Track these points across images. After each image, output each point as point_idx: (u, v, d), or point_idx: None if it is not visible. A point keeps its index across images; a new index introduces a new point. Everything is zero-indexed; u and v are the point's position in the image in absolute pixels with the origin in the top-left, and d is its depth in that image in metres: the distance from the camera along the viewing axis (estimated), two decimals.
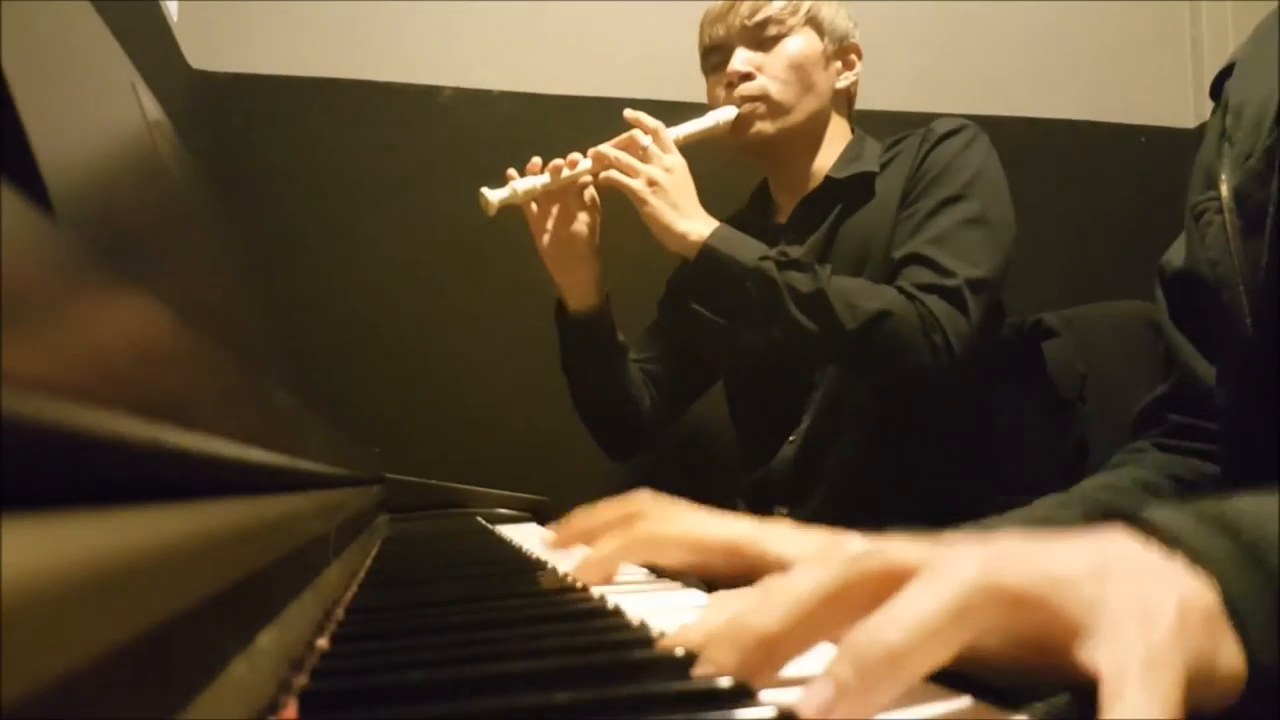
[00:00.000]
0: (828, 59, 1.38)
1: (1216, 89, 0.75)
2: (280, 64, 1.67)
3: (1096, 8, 2.08)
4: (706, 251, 1.23)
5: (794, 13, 1.35)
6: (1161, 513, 0.34)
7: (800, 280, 1.19)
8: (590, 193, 1.34)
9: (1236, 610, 0.30)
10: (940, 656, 0.28)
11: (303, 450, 0.50)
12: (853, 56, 1.42)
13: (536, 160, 1.31)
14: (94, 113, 0.46)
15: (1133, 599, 0.29)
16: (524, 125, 1.74)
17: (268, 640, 0.32)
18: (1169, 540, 0.32)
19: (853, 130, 1.44)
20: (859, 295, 1.19)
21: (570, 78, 1.78)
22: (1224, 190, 0.67)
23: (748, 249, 1.23)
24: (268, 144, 1.67)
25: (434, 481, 1.45)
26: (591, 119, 1.76)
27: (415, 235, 1.70)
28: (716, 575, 0.58)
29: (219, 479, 0.30)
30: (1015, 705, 0.31)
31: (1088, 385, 1.32)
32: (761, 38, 1.35)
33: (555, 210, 1.34)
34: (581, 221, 1.34)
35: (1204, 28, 2.12)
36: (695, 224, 1.24)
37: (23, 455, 0.15)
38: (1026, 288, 1.69)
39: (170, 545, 0.23)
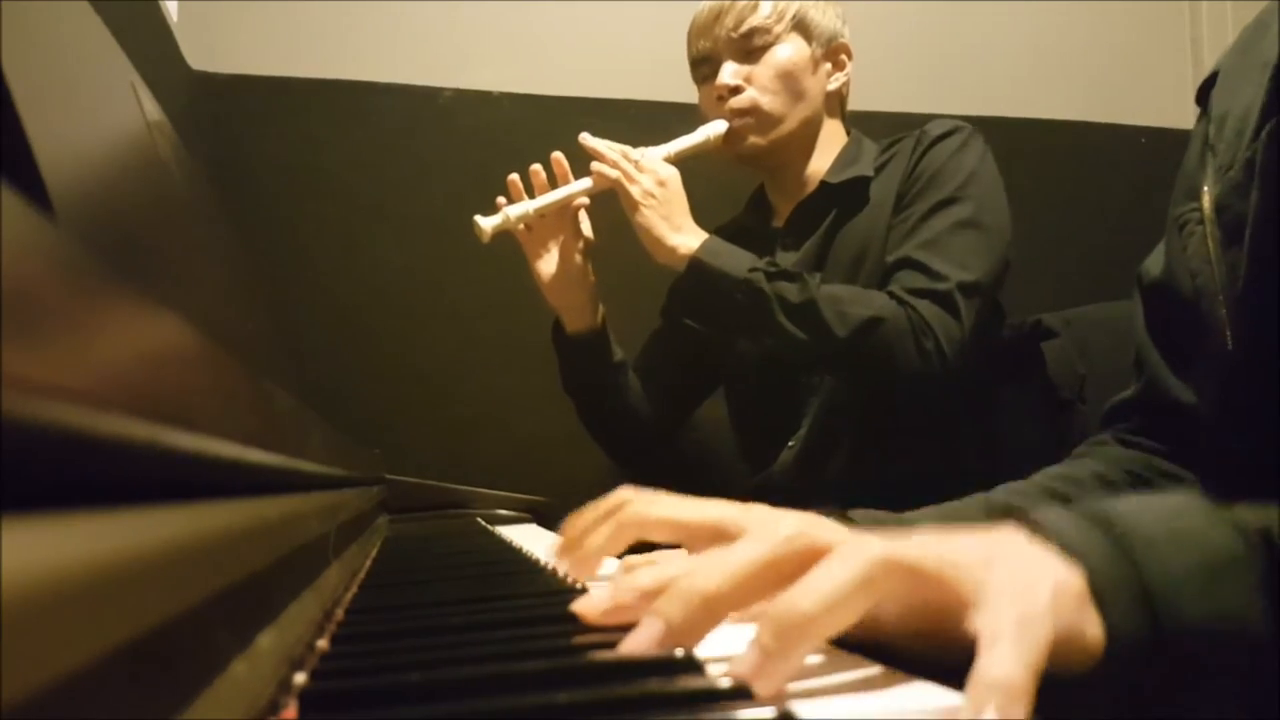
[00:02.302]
0: (816, 63, 1.36)
1: (1202, 97, 0.75)
2: (280, 65, 1.67)
3: (1096, 8, 2.08)
4: (695, 265, 1.23)
5: (780, 20, 1.33)
6: (1048, 513, 0.39)
7: (789, 290, 1.19)
8: (585, 225, 1.35)
9: (1100, 593, 0.35)
10: (847, 619, 0.33)
11: (303, 451, 0.50)
12: (843, 57, 1.40)
13: (514, 177, 1.31)
14: (94, 113, 0.46)
15: (1013, 579, 0.34)
16: (524, 126, 1.74)
17: (268, 641, 0.32)
18: (1048, 535, 0.37)
19: (848, 132, 1.43)
20: (849, 302, 1.18)
21: (570, 78, 1.78)
22: (1206, 201, 0.67)
23: (736, 261, 1.23)
24: (268, 145, 1.67)
25: (434, 482, 1.45)
26: (591, 120, 1.76)
27: (415, 236, 1.70)
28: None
29: (219, 480, 0.30)
30: None
31: (1087, 386, 1.32)
32: (749, 48, 1.33)
33: (549, 236, 1.35)
34: (575, 246, 1.35)
35: (1204, 28, 2.12)
36: (685, 238, 1.24)
37: (23, 455, 0.15)
38: (1026, 288, 1.69)
39: (170, 545, 0.23)
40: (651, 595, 0.39)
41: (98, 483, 0.20)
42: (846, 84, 1.42)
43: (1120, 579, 0.36)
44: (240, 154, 1.63)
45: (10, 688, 0.13)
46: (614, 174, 1.26)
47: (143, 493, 0.22)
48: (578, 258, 1.35)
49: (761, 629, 0.32)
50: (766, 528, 0.39)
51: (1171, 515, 0.38)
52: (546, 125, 1.75)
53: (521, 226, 1.32)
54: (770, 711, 0.27)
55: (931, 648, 0.36)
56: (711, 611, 0.37)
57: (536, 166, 1.31)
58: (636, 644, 0.35)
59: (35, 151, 0.30)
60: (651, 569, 0.41)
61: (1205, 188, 0.67)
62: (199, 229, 0.70)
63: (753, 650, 0.32)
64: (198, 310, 0.53)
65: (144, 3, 1.28)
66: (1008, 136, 1.95)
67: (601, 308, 1.40)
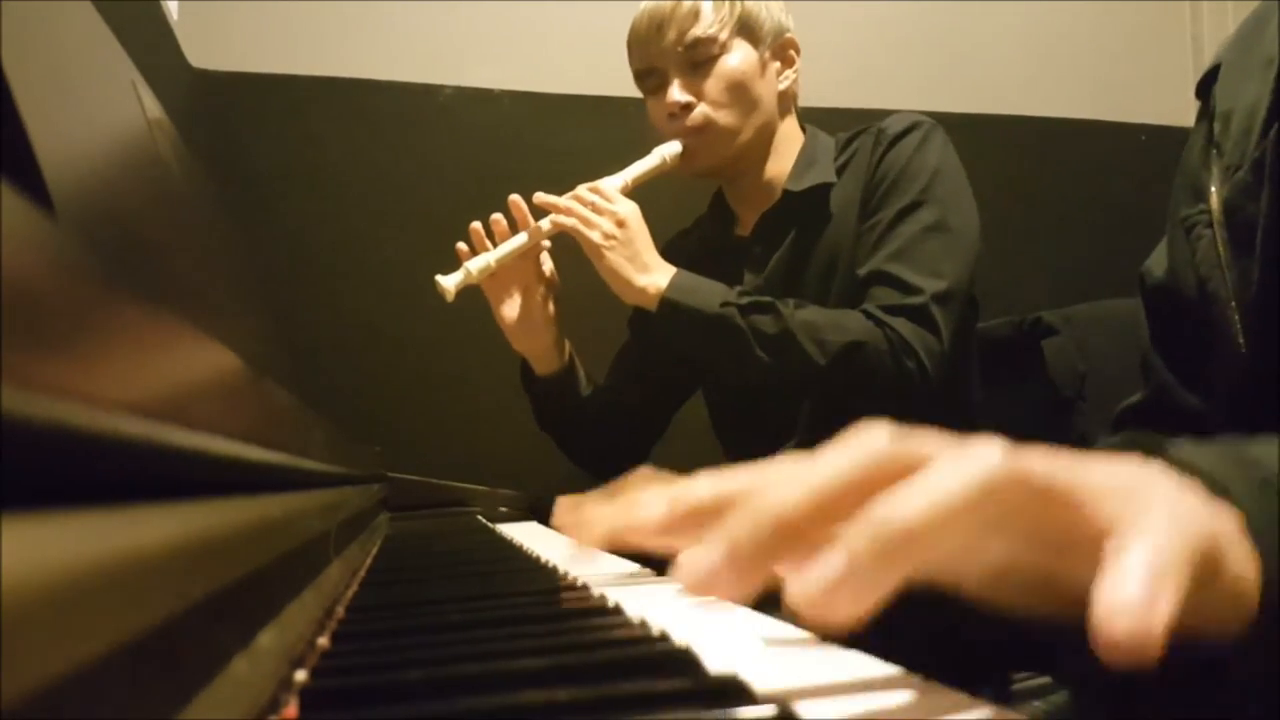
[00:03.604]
0: (765, 65, 1.32)
1: (1203, 90, 0.74)
2: (280, 63, 1.67)
3: (1098, 6, 2.08)
4: (666, 305, 1.21)
5: (723, 27, 1.28)
6: (1186, 449, 0.34)
7: (764, 322, 1.17)
8: (548, 266, 1.34)
9: (1256, 534, 0.31)
10: (956, 536, 0.27)
11: (303, 449, 0.50)
12: (791, 53, 1.35)
13: (476, 225, 1.29)
14: (95, 112, 0.46)
15: (1165, 504, 0.29)
16: (524, 124, 1.74)
17: (269, 638, 0.32)
18: (1191, 472, 0.32)
19: (803, 128, 1.39)
20: (827, 329, 1.16)
21: (570, 77, 1.78)
22: (1214, 203, 0.65)
23: (708, 296, 1.20)
24: (268, 142, 1.67)
25: (434, 480, 1.45)
26: (591, 118, 1.76)
27: (415, 234, 1.70)
28: None
29: (220, 478, 0.30)
30: (1014, 704, 0.31)
31: (1087, 383, 1.32)
32: (695, 60, 1.28)
33: (512, 280, 1.32)
34: (537, 290, 1.33)
35: (1204, 26, 2.12)
36: (653, 277, 1.22)
37: (23, 455, 0.15)
38: (1026, 286, 1.69)
39: (170, 545, 0.23)
40: (705, 514, 0.34)
41: (99, 481, 0.20)
42: (797, 80, 1.37)
43: (1273, 519, 0.31)
44: (240, 151, 1.63)
45: (10, 687, 0.13)
46: (570, 222, 1.24)
47: (144, 491, 0.22)
48: (540, 301, 1.33)
49: (848, 536, 0.27)
50: (854, 440, 0.31)
51: None
52: (546, 123, 1.75)
53: (486, 280, 1.30)
54: (771, 710, 0.27)
55: (1039, 602, 0.30)
56: (784, 535, 0.29)
57: (497, 216, 1.29)
58: (694, 569, 0.29)
59: (36, 149, 0.30)
60: (710, 481, 0.35)
61: (1213, 188, 0.66)
62: (200, 227, 0.70)
63: (831, 561, 0.26)
64: (198, 308, 0.53)
65: (145, 1, 1.28)
66: (1009, 134, 1.96)
67: (568, 344, 1.38)
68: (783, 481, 0.30)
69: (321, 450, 0.60)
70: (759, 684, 0.29)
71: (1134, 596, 0.25)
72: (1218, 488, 0.32)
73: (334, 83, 1.69)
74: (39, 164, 0.30)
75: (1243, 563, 0.31)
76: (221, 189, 1.22)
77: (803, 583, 0.26)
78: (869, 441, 0.30)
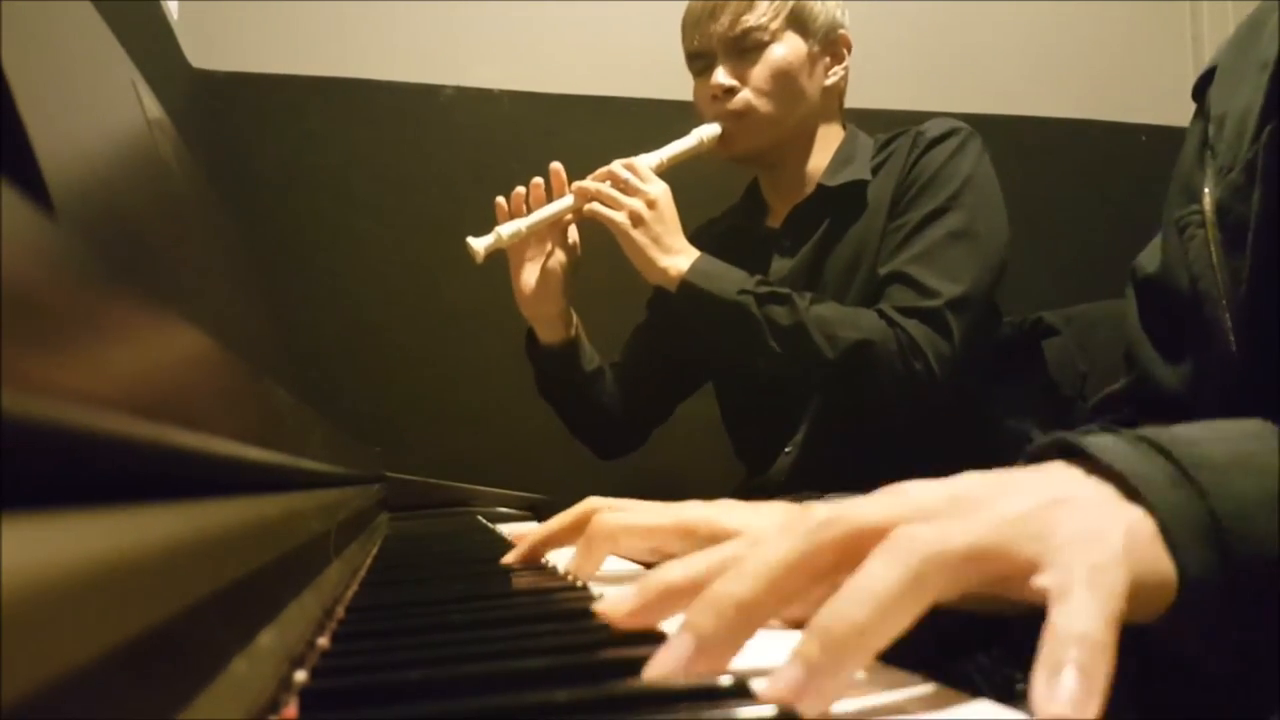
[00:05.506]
0: (814, 59, 1.33)
1: (1199, 92, 0.74)
2: (280, 63, 1.67)
3: (1098, 6, 2.08)
4: (685, 287, 1.22)
5: (775, 17, 1.29)
6: (1104, 443, 0.36)
7: (779, 313, 1.19)
8: (573, 235, 1.34)
9: (1168, 532, 0.32)
10: (901, 625, 0.30)
11: (303, 449, 0.50)
12: (842, 50, 1.37)
13: (520, 190, 1.29)
14: (95, 112, 0.46)
15: (1078, 529, 0.31)
16: (524, 124, 1.74)
17: (268, 639, 0.32)
18: (1109, 469, 0.34)
19: (844, 127, 1.40)
20: (839, 324, 1.18)
21: (570, 76, 1.78)
22: (1206, 204, 0.66)
23: (727, 282, 1.22)
24: (268, 142, 1.67)
25: (434, 480, 1.45)
26: (592, 118, 1.77)
27: (415, 234, 1.70)
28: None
29: (220, 477, 0.30)
30: (1015, 704, 0.31)
31: (1089, 383, 1.32)
32: (744, 47, 1.30)
33: (537, 249, 1.33)
34: (559, 260, 1.33)
35: (1204, 25, 2.12)
36: (676, 259, 1.23)
37: (23, 455, 0.15)
38: (1026, 287, 1.69)
39: (170, 545, 0.23)
40: (678, 593, 0.36)
41: (98, 481, 0.20)
42: (844, 78, 1.38)
43: (1189, 514, 0.33)
44: (241, 151, 1.63)
45: (10, 687, 0.13)
46: (602, 209, 1.24)
47: (143, 491, 0.22)
48: (559, 269, 1.33)
49: (806, 641, 0.29)
50: (796, 519, 0.34)
51: (1239, 438, 0.35)
52: (547, 123, 1.75)
53: (515, 245, 1.30)
54: (772, 710, 0.27)
55: (989, 608, 0.33)
56: (748, 619, 0.32)
57: (538, 180, 1.29)
58: (665, 664, 0.31)
59: (36, 150, 0.30)
60: (679, 563, 0.38)
61: (1206, 190, 0.66)
62: (199, 227, 0.70)
63: (797, 665, 0.29)
64: (198, 308, 0.53)
65: (145, 2, 1.28)
66: (1009, 134, 1.96)
67: (576, 319, 1.39)
68: (739, 570, 0.33)
69: (321, 450, 0.60)
70: (760, 683, 0.29)
71: (1069, 696, 0.26)
72: (1135, 485, 0.33)
73: (334, 83, 1.69)
74: (39, 164, 0.30)
75: (1158, 563, 0.32)
76: (221, 188, 1.22)
77: (776, 682, 0.29)
78: (813, 522, 0.34)
